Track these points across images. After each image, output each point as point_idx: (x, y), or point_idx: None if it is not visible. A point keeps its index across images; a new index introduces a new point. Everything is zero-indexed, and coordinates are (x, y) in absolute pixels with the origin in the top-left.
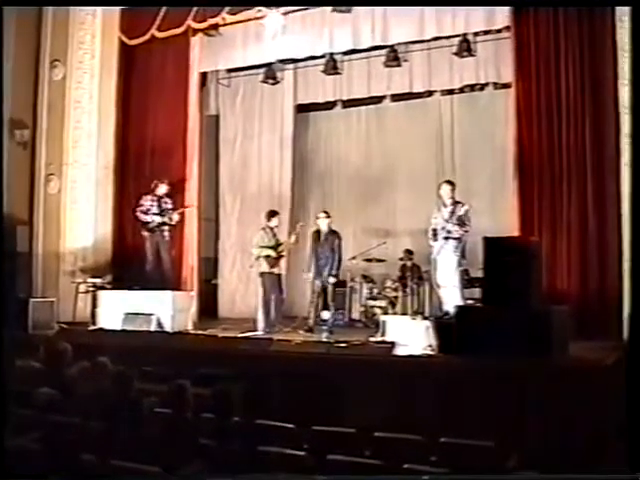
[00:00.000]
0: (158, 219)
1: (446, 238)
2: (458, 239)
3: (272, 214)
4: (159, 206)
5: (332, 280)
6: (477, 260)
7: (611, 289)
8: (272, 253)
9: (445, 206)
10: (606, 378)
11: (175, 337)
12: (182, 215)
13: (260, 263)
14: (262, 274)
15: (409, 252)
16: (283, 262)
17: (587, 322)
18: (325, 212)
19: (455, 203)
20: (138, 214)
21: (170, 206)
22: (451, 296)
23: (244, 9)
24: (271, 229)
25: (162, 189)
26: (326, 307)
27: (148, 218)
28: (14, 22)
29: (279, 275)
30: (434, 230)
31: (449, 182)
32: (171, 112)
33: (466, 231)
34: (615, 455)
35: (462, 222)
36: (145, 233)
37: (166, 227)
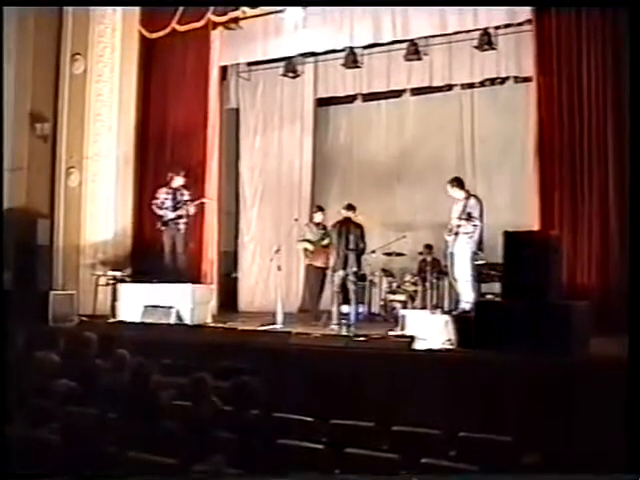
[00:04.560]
0: (171, 214)
1: (456, 233)
2: (468, 234)
3: (316, 210)
4: (174, 199)
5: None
6: (498, 255)
7: None
8: (309, 246)
9: (457, 202)
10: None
11: (194, 330)
12: (202, 208)
13: (306, 255)
14: (306, 266)
15: (429, 247)
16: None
17: (608, 317)
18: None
19: (468, 197)
20: (153, 208)
21: (187, 197)
22: (465, 290)
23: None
24: (316, 224)
25: (178, 181)
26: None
27: (162, 212)
28: (34, 16)
29: (323, 269)
30: (451, 225)
31: (452, 181)
32: (191, 105)
33: (474, 225)
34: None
35: (469, 216)
36: (161, 227)
37: (182, 220)
